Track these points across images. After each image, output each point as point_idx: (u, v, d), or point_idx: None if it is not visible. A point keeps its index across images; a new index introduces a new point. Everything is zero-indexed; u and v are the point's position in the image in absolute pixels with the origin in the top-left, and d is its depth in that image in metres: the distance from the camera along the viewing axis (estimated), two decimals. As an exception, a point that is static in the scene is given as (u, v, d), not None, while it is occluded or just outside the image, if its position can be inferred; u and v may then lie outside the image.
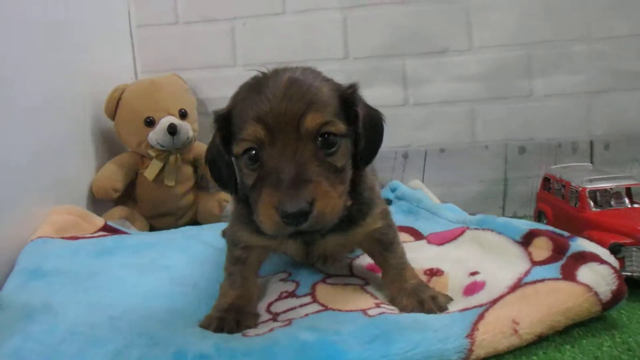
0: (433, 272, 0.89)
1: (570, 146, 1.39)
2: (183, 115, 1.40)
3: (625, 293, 0.71)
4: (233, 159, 0.73)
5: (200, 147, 1.47)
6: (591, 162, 1.36)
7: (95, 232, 1.18)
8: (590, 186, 0.94)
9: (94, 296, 0.84)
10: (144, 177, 1.39)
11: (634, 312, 0.75)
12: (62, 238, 1.09)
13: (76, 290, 0.86)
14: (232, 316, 0.75)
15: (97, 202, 1.37)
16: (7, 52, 1.07)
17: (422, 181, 1.46)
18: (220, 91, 1.57)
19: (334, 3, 1.46)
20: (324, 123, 0.66)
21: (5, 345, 0.67)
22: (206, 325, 0.74)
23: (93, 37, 1.42)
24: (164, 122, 1.35)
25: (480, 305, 0.72)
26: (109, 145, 1.46)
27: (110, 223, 1.25)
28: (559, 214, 1.03)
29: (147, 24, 1.58)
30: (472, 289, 0.81)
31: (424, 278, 0.87)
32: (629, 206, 0.92)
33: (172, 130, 1.33)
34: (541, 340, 0.67)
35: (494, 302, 0.72)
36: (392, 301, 0.81)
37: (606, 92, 1.38)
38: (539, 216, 1.14)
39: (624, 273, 0.80)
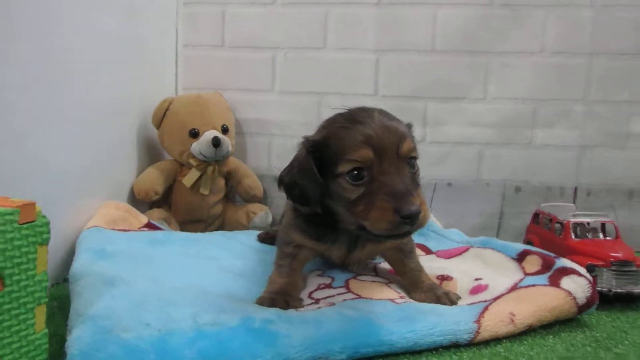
0: (444, 278, 1.05)
1: (558, 190, 1.60)
2: (225, 130, 1.52)
3: (597, 301, 0.91)
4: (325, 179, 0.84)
5: (234, 162, 1.60)
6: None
7: (140, 227, 1.31)
8: (573, 220, 1.16)
9: (153, 274, 0.97)
10: (181, 184, 1.50)
11: (600, 317, 0.96)
12: (113, 229, 1.21)
13: (137, 269, 0.98)
14: (281, 297, 0.88)
15: (136, 202, 1.47)
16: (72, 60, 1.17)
17: (430, 211, 1.61)
18: (256, 113, 1.75)
19: (370, 45, 1.63)
20: (412, 149, 0.82)
21: (98, 303, 0.78)
22: (260, 303, 0.87)
23: (142, 51, 1.52)
24: (209, 134, 1.46)
25: (485, 301, 0.90)
26: (149, 152, 1.58)
27: (152, 222, 1.37)
28: (546, 243, 1.21)
29: (193, 45, 1.72)
30: (477, 290, 0.98)
31: (435, 282, 1.02)
32: (603, 238, 1.14)
33: (216, 142, 1.45)
34: (531, 331, 0.87)
35: (496, 299, 0.90)
36: (411, 297, 0.96)
37: (596, 147, 1.58)
38: (528, 245, 1.32)
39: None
